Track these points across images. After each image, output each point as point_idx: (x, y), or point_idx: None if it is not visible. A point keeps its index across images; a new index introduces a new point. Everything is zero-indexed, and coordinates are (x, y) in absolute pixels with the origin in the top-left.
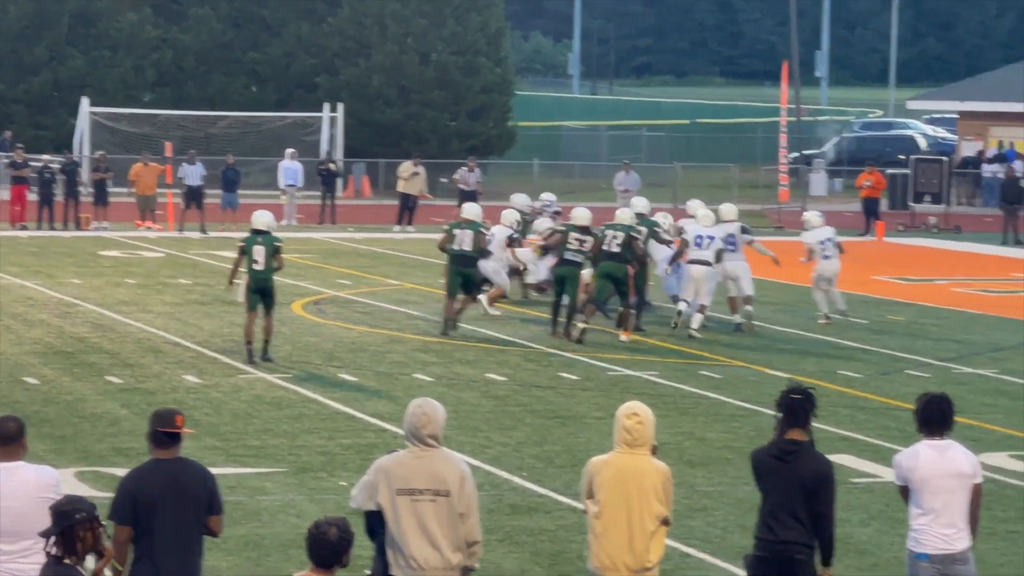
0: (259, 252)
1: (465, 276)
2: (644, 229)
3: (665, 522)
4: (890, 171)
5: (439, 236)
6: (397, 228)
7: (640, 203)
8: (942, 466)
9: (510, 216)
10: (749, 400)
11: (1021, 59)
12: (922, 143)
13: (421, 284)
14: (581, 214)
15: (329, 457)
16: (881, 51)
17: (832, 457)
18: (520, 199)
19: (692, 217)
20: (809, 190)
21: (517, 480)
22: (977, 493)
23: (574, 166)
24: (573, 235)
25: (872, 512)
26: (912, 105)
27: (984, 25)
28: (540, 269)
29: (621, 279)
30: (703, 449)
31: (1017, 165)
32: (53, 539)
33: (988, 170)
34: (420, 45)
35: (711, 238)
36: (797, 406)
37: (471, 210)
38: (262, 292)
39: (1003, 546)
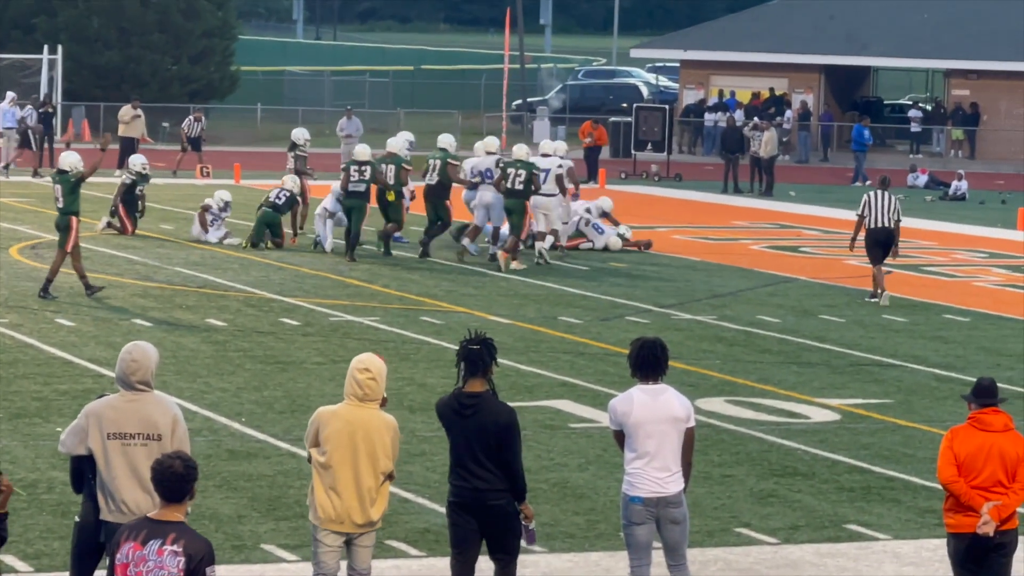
0: (58, 191)
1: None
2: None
3: (389, 476)
4: (613, 119)
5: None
6: (118, 172)
7: (364, 148)
8: (655, 410)
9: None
10: None
11: (742, 8)
12: (645, 92)
13: (144, 230)
14: (362, 150)
15: (45, 403)
16: None
17: (551, 403)
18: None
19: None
20: (532, 138)
21: (236, 425)
22: (690, 437)
23: (297, 111)
24: (352, 168)
25: (590, 457)
26: (635, 53)
27: None
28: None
29: (521, 213)
30: (424, 395)
31: (738, 114)
32: None
33: (709, 119)
34: None
35: (547, 171)
36: (476, 356)
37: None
38: (59, 228)
39: (718, 490)
